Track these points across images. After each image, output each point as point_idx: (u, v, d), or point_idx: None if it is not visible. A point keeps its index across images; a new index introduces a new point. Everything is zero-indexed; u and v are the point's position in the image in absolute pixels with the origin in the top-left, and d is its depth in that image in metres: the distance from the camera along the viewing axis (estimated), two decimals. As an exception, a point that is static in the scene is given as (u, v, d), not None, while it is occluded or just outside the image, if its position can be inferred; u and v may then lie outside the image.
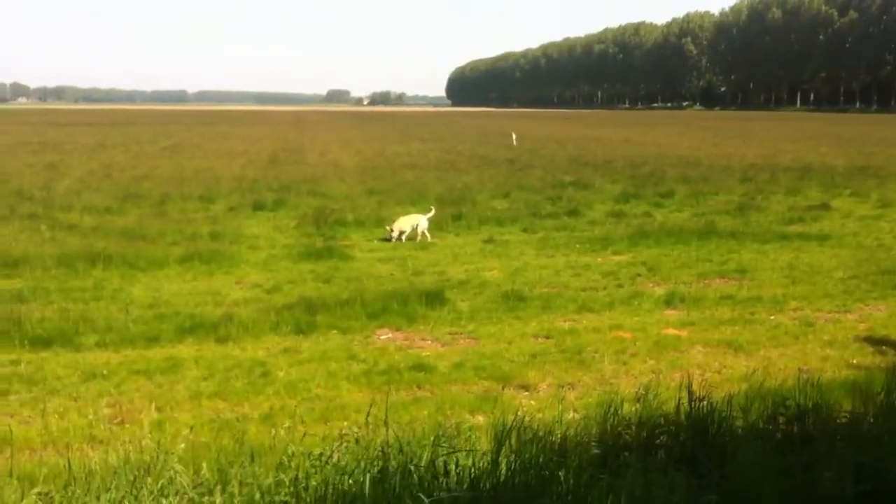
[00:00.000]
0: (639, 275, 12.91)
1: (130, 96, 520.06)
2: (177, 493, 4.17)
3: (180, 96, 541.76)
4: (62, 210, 19.20)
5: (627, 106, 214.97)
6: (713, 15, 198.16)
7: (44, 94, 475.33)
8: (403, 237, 16.02)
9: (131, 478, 4.33)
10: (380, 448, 4.22)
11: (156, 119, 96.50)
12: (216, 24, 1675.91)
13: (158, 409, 7.21)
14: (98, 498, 4.00)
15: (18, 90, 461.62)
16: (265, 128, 73.44)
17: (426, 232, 16.29)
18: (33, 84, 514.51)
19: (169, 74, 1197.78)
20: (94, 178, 26.95)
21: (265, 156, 37.93)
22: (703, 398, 5.21)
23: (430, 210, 17.03)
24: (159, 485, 4.26)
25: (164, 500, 4.12)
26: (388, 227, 16.23)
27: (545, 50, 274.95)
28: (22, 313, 9.92)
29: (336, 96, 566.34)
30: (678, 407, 5.13)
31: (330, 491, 3.93)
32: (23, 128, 68.75)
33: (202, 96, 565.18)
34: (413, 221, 16.31)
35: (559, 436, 4.82)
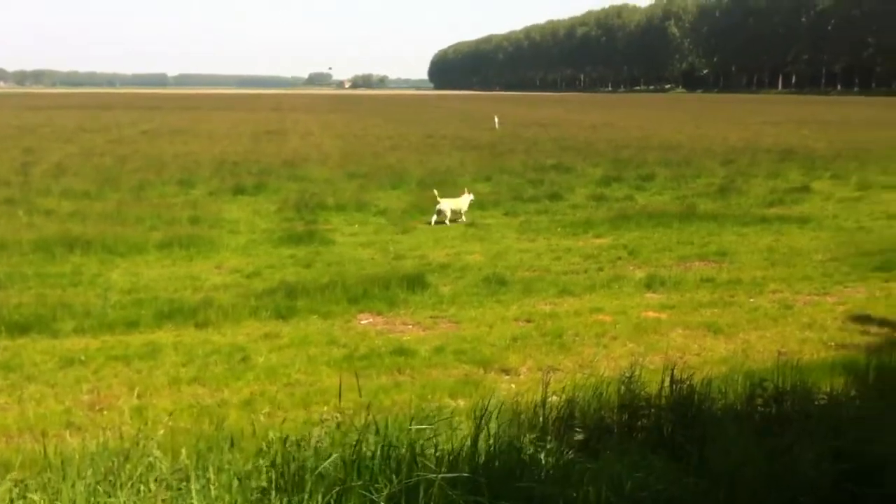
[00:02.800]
0: (620, 258, 12.94)
1: (110, 80, 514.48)
2: (156, 480, 4.13)
3: (161, 80, 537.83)
4: (40, 195, 19.00)
5: (610, 89, 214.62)
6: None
7: (22, 77, 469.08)
8: (447, 220, 16.11)
9: (109, 464, 4.28)
10: (358, 431, 4.19)
11: (136, 103, 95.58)
12: (197, 7, 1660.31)
13: (138, 396, 7.16)
14: (73, 485, 3.95)
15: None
16: (246, 112, 72.88)
17: (464, 214, 16.52)
18: (11, 68, 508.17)
19: (149, 58, 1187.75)
20: (73, 162, 26.68)
21: (246, 140, 37.66)
22: (685, 381, 5.22)
23: (464, 192, 17.03)
24: (138, 471, 4.21)
25: (142, 487, 4.07)
26: (438, 201, 16.26)
27: (528, 32, 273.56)
28: (-1, 299, 9.81)
29: (318, 79, 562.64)
30: (660, 390, 5.13)
31: (308, 475, 3.90)
32: None
33: (183, 80, 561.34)
34: (456, 205, 16.38)
35: (541, 419, 4.81)
